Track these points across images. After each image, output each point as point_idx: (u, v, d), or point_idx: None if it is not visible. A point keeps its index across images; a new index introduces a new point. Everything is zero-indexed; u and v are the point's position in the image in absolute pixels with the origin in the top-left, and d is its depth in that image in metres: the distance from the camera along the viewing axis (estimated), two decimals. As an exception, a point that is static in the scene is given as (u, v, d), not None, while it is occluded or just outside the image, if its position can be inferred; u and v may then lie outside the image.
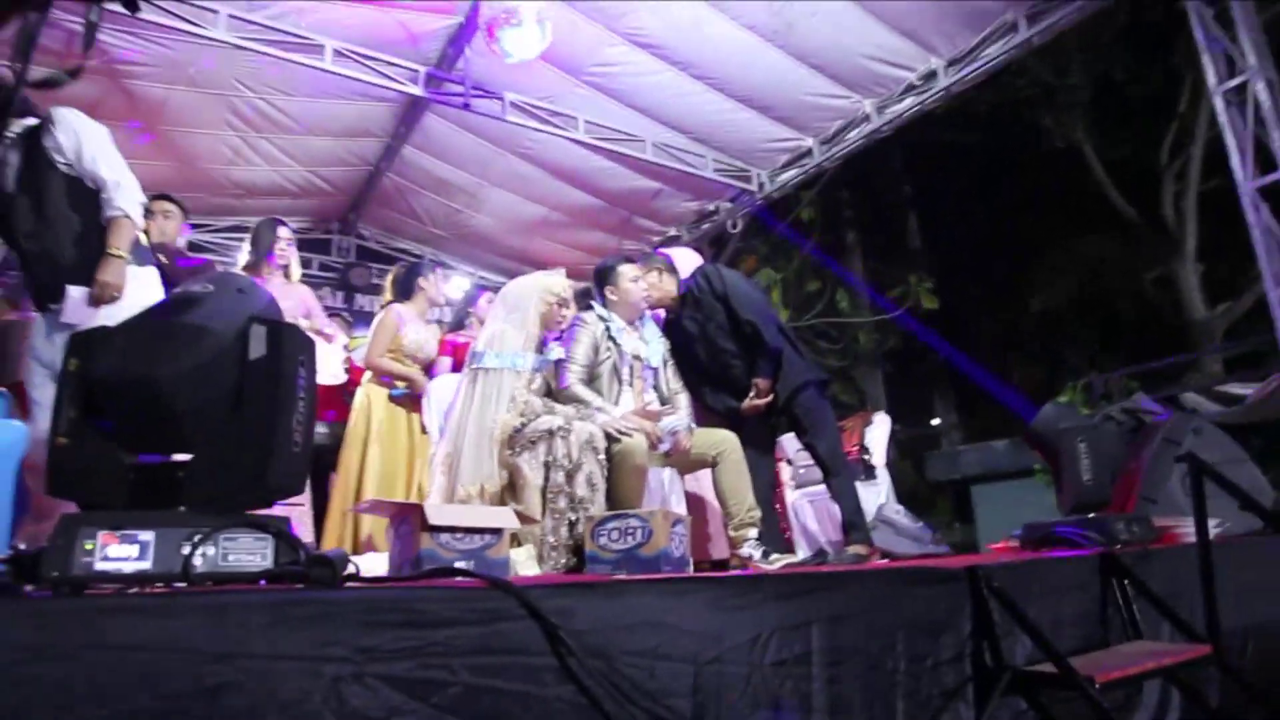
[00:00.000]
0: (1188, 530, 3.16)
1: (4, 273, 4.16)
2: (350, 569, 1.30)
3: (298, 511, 3.40)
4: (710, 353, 3.66)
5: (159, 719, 0.95)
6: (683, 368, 3.71)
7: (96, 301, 2.63)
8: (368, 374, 4.16)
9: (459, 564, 2.16)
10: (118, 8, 1.96)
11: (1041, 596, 2.00)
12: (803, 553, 4.82)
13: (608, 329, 3.57)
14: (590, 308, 3.71)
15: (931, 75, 5.30)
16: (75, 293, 2.64)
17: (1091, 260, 10.66)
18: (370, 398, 4.06)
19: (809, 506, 5.02)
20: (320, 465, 4.52)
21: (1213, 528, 3.04)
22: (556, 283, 3.41)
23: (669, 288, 3.78)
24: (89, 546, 1.22)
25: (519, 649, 1.17)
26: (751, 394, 3.55)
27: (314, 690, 1.02)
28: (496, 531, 2.28)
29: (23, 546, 2.24)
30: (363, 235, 8.28)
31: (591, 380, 3.47)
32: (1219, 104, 4.08)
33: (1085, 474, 2.95)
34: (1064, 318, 11.23)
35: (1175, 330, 9.28)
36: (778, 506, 4.43)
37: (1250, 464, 3.42)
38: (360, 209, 7.85)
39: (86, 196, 2.67)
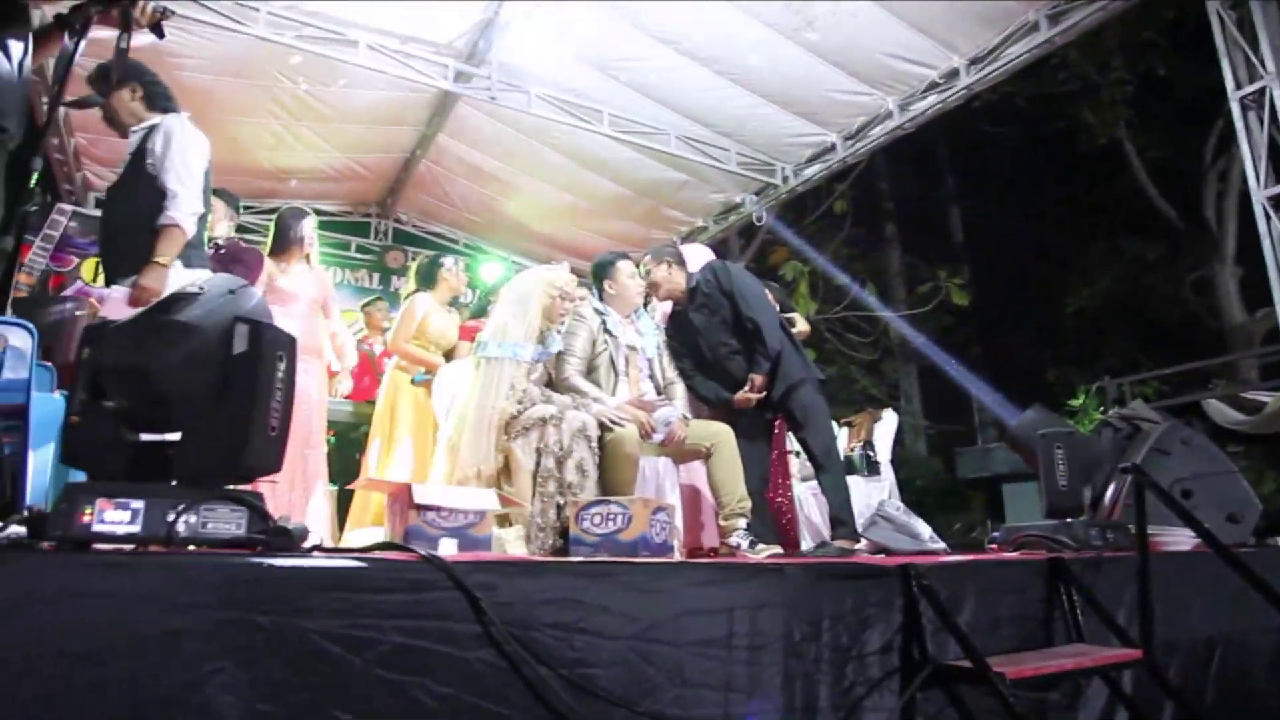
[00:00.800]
0: (1168, 539, 3.23)
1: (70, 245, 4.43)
2: (313, 540, 1.49)
3: (273, 488, 3.63)
4: (712, 345, 3.79)
5: (127, 655, 1.15)
6: (684, 359, 3.86)
7: (134, 303, 2.74)
8: (394, 359, 4.40)
9: (443, 540, 2.36)
10: (148, 35, 2.15)
11: (979, 597, 2.11)
12: (807, 544, 4.95)
13: (604, 322, 3.73)
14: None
15: (954, 74, 5.32)
16: (117, 292, 2.80)
17: (1131, 261, 10.47)
18: (397, 382, 4.30)
19: (813, 500, 5.13)
20: (344, 440, 4.79)
21: (1189, 539, 3.12)
22: (559, 277, 3.57)
23: (678, 280, 3.90)
24: (88, 511, 1.42)
25: (444, 615, 1.35)
26: (746, 388, 3.68)
27: (256, 638, 1.21)
28: (480, 512, 2.47)
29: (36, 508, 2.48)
30: (399, 219, 8.55)
31: (590, 372, 3.64)
32: (1236, 109, 4.06)
33: (1060, 480, 3.04)
34: (1102, 318, 11.05)
35: (1214, 334, 9.10)
36: (781, 499, 4.55)
37: (1237, 477, 3.45)
38: (397, 194, 8.11)
39: (159, 200, 2.79)
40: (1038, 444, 3.09)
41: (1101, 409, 6.29)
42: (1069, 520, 3.06)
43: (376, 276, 8.38)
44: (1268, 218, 3.94)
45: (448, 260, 4.65)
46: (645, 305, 4.04)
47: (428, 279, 4.53)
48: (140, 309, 1.67)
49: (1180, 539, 3.25)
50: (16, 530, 1.47)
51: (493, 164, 7.26)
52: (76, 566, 1.20)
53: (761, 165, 6.58)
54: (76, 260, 5.05)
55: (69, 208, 4.23)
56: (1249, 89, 4.02)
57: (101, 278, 3.38)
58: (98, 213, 3.38)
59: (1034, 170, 11.52)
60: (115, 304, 2.79)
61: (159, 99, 2.97)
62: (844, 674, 1.83)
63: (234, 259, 3.93)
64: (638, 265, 3.91)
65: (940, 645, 1.96)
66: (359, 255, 8.34)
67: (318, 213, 7.35)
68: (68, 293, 4.87)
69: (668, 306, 4.19)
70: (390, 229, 8.54)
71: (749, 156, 6.50)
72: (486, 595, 1.37)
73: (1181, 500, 3.42)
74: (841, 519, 3.66)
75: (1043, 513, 3.15)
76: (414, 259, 7.91)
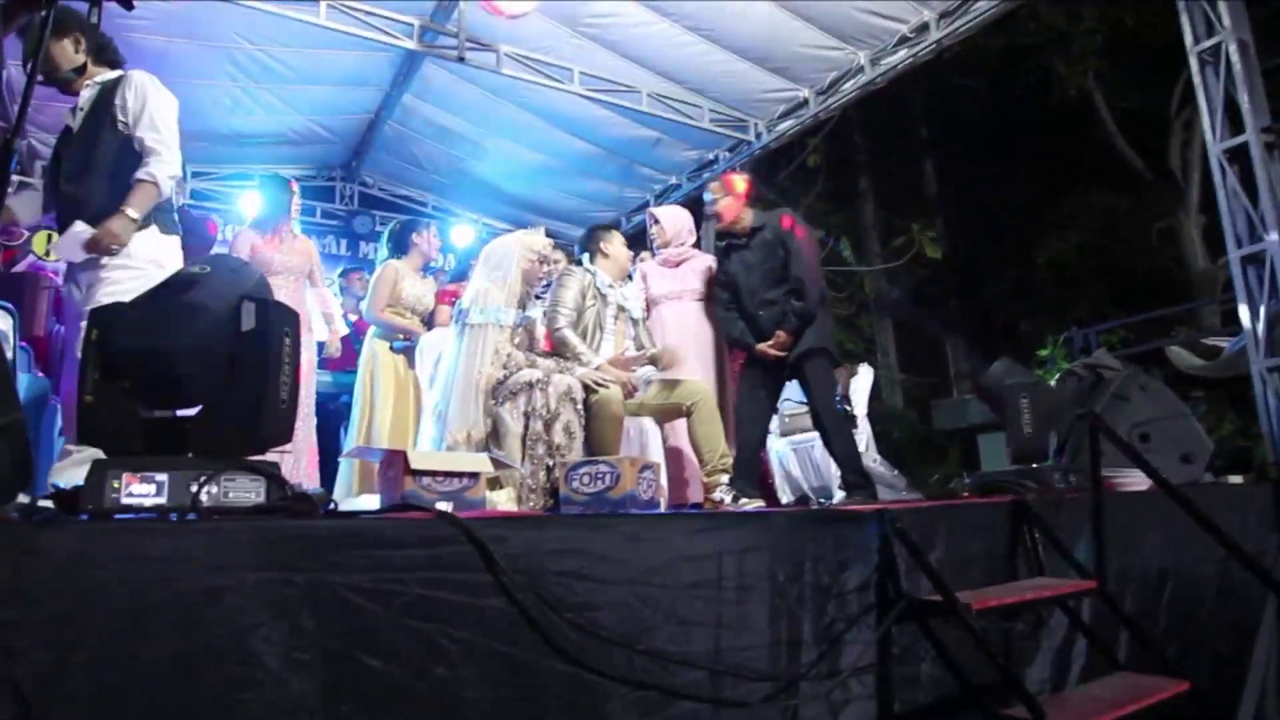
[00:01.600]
0: (1127, 480, 3.47)
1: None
2: (331, 506, 1.62)
3: (288, 458, 3.74)
4: (752, 289, 3.90)
5: (174, 612, 1.28)
6: (724, 292, 4.01)
7: (93, 245, 2.65)
8: (372, 329, 4.48)
9: (439, 504, 2.50)
10: (116, 6, 2.19)
11: (949, 538, 2.31)
12: (786, 498, 5.17)
13: (595, 281, 3.86)
14: (579, 262, 4.01)
15: (924, 28, 5.42)
16: (75, 229, 2.65)
17: (1101, 212, 10.73)
18: (376, 351, 4.39)
19: (792, 454, 5.35)
20: (324, 412, 4.89)
21: (1146, 479, 3.35)
22: (536, 240, 3.67)
23: (746, 218, 4.00)
24: (115, 485, 1.54)
25: (459, 566, 1.49)
26: (771, 340, 3.81)
27: (292, 594, 1.35)
28: (474, 475, 2.61)
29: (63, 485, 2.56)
30: (366, 183, 8.52)
31: (576, 326, 3.78)
32: (1194, 64, 4.22)
33: (1026, 427, 3.24)
34: (1073, 269, 11.34)
35: (1181, 282, 9.41)
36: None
37: (1191, 419, 3.69)
38: (362, 156, 8.08)
39: (132, 159, 2.72)
40: (1004, 394, 3.28)
41: (1069, 358, 6.53)
42: (1034, 465, 3.27)
43: (345, 242, 8.38)
44: (1223, 170, 4.13)
45: (420, 225, 4.72)
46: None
47: (399, 245, 4.60)
48: (151, 289, 1.74)
49: (1139, 480, 3.49)
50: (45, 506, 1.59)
51: (461, 124, 7.26)
52: (121, 532, 1.33)
53: (734, 122, 6.67)
54: (26, 234, 5.03)
55: (16, 178, 4.23)
56: (1206, 44, 4.17)
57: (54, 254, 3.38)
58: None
59: (1006, 122, 11.68)
60: (70, 244, 2.68)
61: (107, 51, 2.91)
62: (825, 610, 2.01)
63: (186, 229, 3.98)
64: (711, 189, 4.04)
65: (914, 583, 2.15)
66: (325, 220, 8.33)
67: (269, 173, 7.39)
68: (20, 268, 4.88)
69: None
70: (356, 193, 8.52)
71: (721, 113, 6.58)
72: (497, 547, 1.52)
73: (1140, 442, 3.67)
74: (855, 482, 3.78)
75: (1009, 459, 3.36)
76: (383, 224, 7.94)
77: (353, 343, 5.17)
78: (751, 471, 3.77)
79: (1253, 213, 4.05)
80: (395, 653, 1.42)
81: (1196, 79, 4.22)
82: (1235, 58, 4.05)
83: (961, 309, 13.62)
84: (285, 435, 1.72)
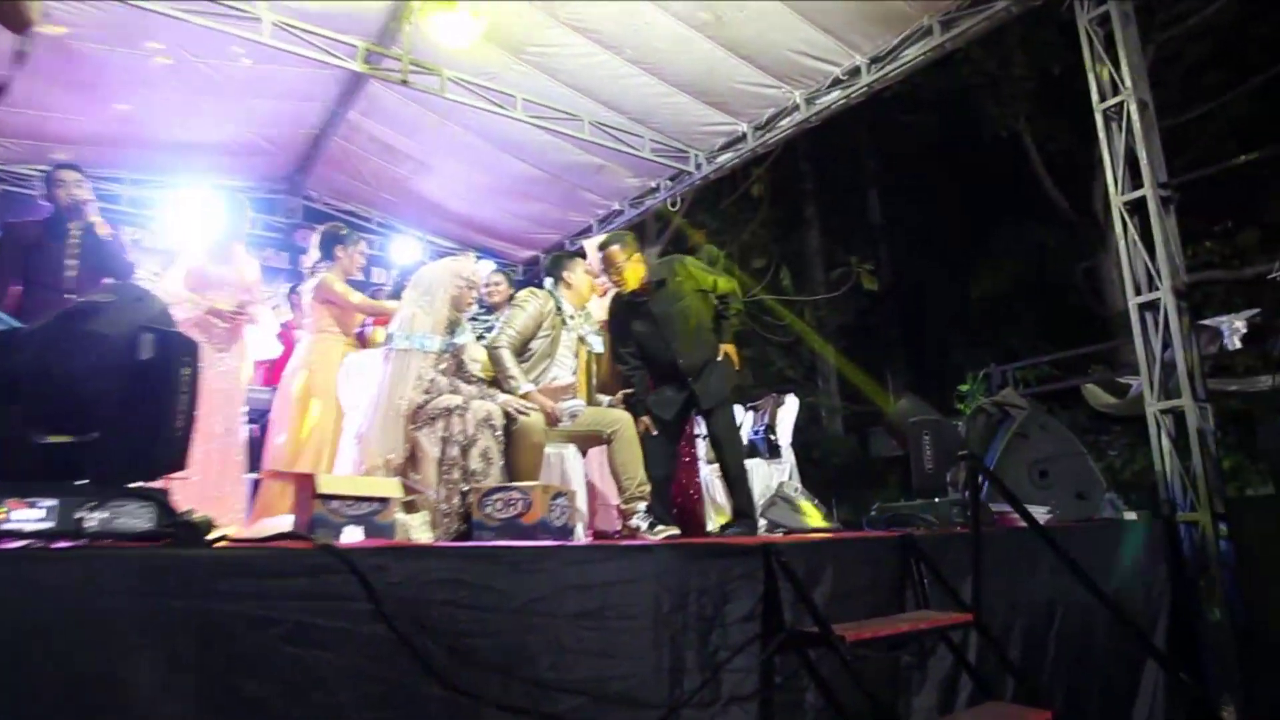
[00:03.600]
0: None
1: None
2: (216, 533, 1.68)
3: (180, 484, 3.73)
4: (669, 337, 4.01)
5: (54, 639, 1.33)
6: (630, 347, 4.11)
7: None
8: (316, 334, 4.43)
9: (348, 527, 2.56)
10: (51, 29, 2.22)
11: (837, 571, 2.44)
12: (713, 524, 5.28)
13: (559, 309, 3.95)
14: (540, 285, 4.10)
15: (856, 71, 5.64)
16: None
17: (1032, 247, 11.18)
18: (327, 355, 4.34)
19: (718, 482, 5.45)
20: (260, 428, 4.87)
21: (1042, 515, 3.54)
22: (466, 267, 3.75)
23: (642, 270, 4.10)
24: (1, 511, 1.58)
25: (340, 595, 1.56)
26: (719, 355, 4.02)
27: (171, 622, 1.40)
28: (384, 500, 2.67)
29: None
30: (309, 197, 8.47)
31: (523, 351, 3.85)
32: (1099, 120, 4.49)
33: (928, 463, 3.41)
34: (1006, 302, 11.76)
35: (1103, 319, 9.86)
36: (688, 481, 4.85)
37: (1085, 458, 3.90)
38: (306, 170, 8.06)
39: None
40: (908, 430, 3.45)
41: (988, 393, 6.79)
42: (935, 499, 3.44)
43: (285, 256, 8.30)
44: (1124, 222, 4.39)
45: (347, 240, 4.70)
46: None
47: (327, 253, 4.59)
48: (55, 316, 1.79)
49: (1037, 514, 3.68)
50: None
51: (406, 143, 7.30)
52: (1, 558, 1.37)
53: (675, 152, 6.83)
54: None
55: None
56: (1110, 101, 4.45)
57: None
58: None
59: (946, 156, 12.11)
60: None
61: None
62: (709, 640, 2.11)
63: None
64: (603, 249, 4.11)
65: (798, 614, 2.27)
66: (266, 233, 8.24)
67: (221, 188, 7.33)
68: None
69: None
70: (300, 206, 8.46)
71: (662, 143, 6.74)
72: (378, 577, 1.59)
73: (1039, 479, 3.87)
74: (744, 514, 3.98)
75: (915, 493, 3.53)
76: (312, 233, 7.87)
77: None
78: (664, 500, 3.88)
79: (1149, 263, 4.31)
80: (273, 678, 1.49)
81: (1101, 134, 4.49)
82: (1135, 116, 4.33)
83: (902, 338, 13.98)
84: (179, 463, 1.77)
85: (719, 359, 4.04)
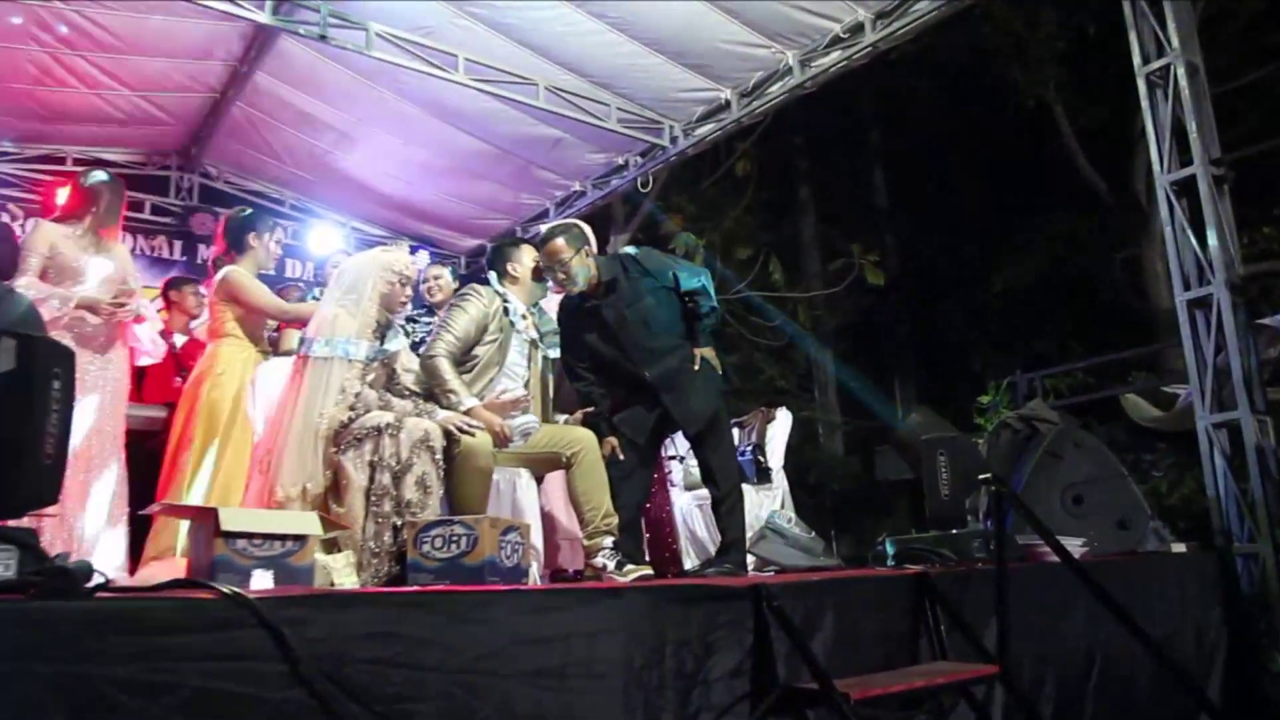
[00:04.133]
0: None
1: None
2: (95, 581, 1.65)
3: (51, 522, 3.66)
4: (630, 346, 3.99)
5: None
6: (583, 359, 4.09)
7: None
8: (216, 342, 4.37)
9: (256, 571, 2.52)
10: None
11: (838, 616, 2.45)
12: (690, 562, 5.29)
13: (505, 308, 3.93)
14: (487, 282, 4.07)
15: (859, 28, 5.69)
16: None
17: (1062, 235, 11.36)
18: (233, 366, 4.28)
19: (698, 511, 5.47)
20: (140, 452, 4.78)
21: (1077, 547, 3.59)
22: (398, 259, 3.71)
23: (594, 270, 4.05)
24: None
25: (248, 655, 1.54)
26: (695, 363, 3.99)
27: (38, 689, 1.37)
28: (300, 538, 2.64)
29: None
30: (208, 173, 8.40)
31: (467, 360, 3.83)
32: (1142, 86, 4.58)
33: (943, 489, 3.45)
34: (1032, 299, 11.94)
35: (1146, 318, 10.02)
36: (664, 511, 4.86)
37: (1125, 480, 3.97)
38: (204, 142, 7.96)
39: None
40: (921, 450, 3.48)
41: (1014, 406, 6.88)
42: (954, 532, 3.47)
43: (179, 245, 8.21)
44: (1170, 204, 4.48)
45: (262, 225, 4.65)
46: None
47: (237, 242, 4.54)
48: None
49: (1072, 547, 3.73)
50: None
51: (326, 110, 7.24)
52: None
53: (646, 123, 6.85)
54: None
55: None
56: (1155, 65, 4.53)
57: None
58: None
59: (963, 130, 12.26)
60: None
61: None
62: (689, 700, 2.11)
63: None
64: (543, 243, 4.05)
65: (794, 668, 2.28)
66: (155, 218, 8.15)
67: (101, 163, 7.24)
68: None
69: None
70: (196, 185, 8.37)
71: (631, 113, 6.75)
72: (295, 631, 1.57)
73: (1072, 505, 3.93)
74: (734, 547, 3.97)
75: (928, 524, 3.56)
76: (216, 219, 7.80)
77: (175, 370, 5.09)
78: (634, 534, 3.87)
79: (1199, 253, 4.38)
80: (165, 757, 1.45)
81: (1144, 103, 4.58)
82: (1184, 81, 4.41)
83: (912, 340, 14.12)
84: (50, 496, 1.73)
85: (696, 367, 4.02)
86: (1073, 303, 12.08)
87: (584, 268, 3.97)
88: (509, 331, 3.94)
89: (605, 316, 3.99)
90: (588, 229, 4.14)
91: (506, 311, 3.94)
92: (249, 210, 4.78)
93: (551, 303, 4.42)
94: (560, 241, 3.96)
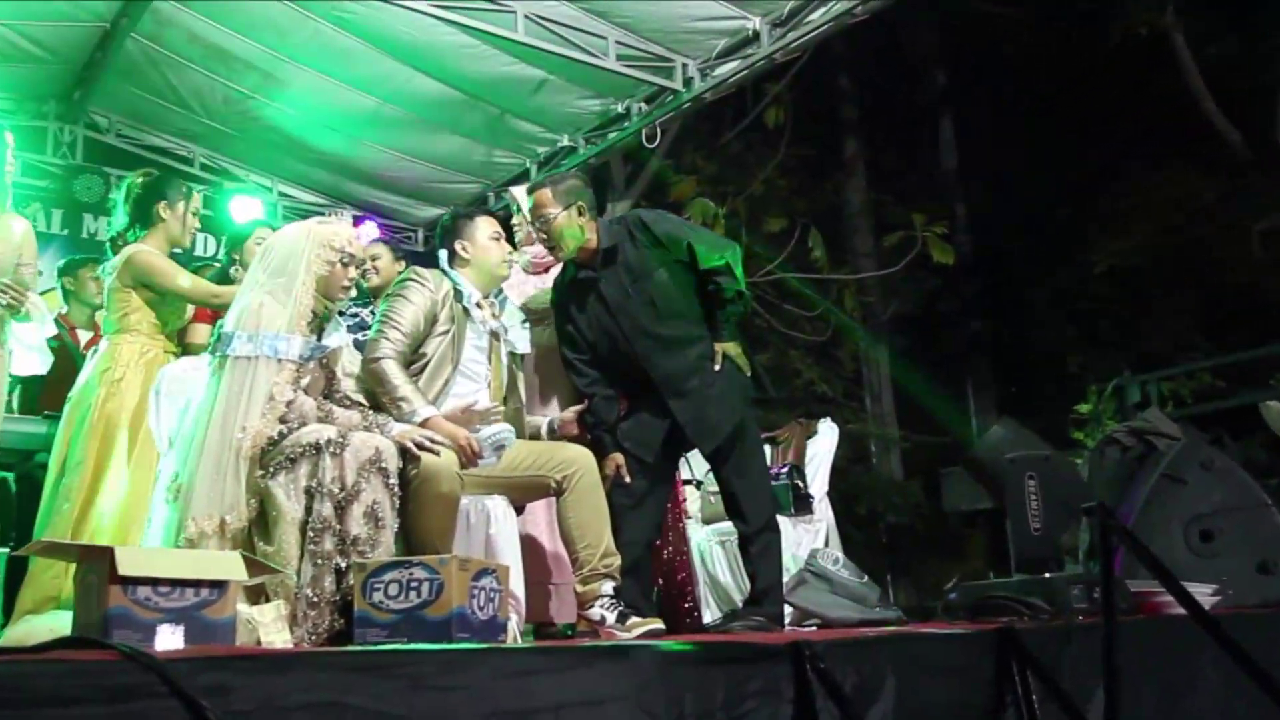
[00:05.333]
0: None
1: None
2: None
3: None
4: (632, 332, 4.02)
5: None
6: (580, 347, 4.13)
7: None
8: (108, 341, 4.38)
9: (163, 627, 2.53)
10: None
11: (901, 682, 2.45)
12: (711, 614, 5.30)
13: (457, 294, 3.94)
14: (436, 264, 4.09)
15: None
16: None
17: (1182, 201, 11.32)
18: (137, 367, 4.29)
19: (720, 551, 5.48)
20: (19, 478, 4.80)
21: (1207, 596, 3.59)
22: (339, 233, 3.72)
23: (591, 235, 4.08)
24: None
25: (156, 733, 1.54)
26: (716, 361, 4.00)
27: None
28: (219, 584, 2.64)
29: None
30: (96, 125, 8.42)
31: (417, 360, 3.85)
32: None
33: (1034, 521, 3.45)
34: (1143, 282, 11.92)
35: (1295, 303, 10.03)
36: (677, 548, 4.86)
37: (1269, 511, 3.97)
38: (90, 86, 7.95)
39: None
40: (1004, 473, 3.48)
41: (1120, 416, 6.88)
42: (1046, 575, 3.47)
43: (59, 215, 8.23)
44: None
45: (173, 192, 4.67)
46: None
47: (142, 214, 4.55)
48: None
49: (1200, 595, 3.73)
50: None
51: (247, 46, 7.23)
52: None
53: (654, 61, 6.84)
54: None
55: None
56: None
57: None
58: None
59: (1054, 69, 12.25)
60: None
61: None
62: (711, 790, 2.11)
63: None
64: (529, 194, 4.11)
65: (845, 746, 2.28)
66: (30, 180, 8.16)
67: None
68: None
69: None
70: (80, 139, 8.38)
71: (635, 48, 6.74)
72: (215, 703, 1.57)
73: (1200, 543, 3.93)
74: (767, 595, 4.00)
75: (1013, 565, 3.56)
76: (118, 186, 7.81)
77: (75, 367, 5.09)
78: (641, 578, 3.88)
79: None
80: None
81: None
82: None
83: (988, 336, 14.10)
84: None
85: (716, 367, 4.03)
86: (1196, 287, 12.05)
87: (575, 229, 4.00)
88: (463, 322, 3.94)
89: (603, 292, 4.02)
90: (586, 183, 4.18)
91: (459, 298, 3.94)
92: (155, 173, 4.79)
93: (518, 288, 4.45)
94: (547, 193, 4.01)
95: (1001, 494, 3.56)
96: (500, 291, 4.21)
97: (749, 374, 4.18)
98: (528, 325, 4.26)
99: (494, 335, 4.06)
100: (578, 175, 4.20)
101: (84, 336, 5.65)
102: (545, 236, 4.04)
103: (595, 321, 4.06)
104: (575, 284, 4.12)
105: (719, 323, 4.08)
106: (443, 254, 4.10)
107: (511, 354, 4.14)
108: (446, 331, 3.91)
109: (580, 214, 4.01)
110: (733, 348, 4.09)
